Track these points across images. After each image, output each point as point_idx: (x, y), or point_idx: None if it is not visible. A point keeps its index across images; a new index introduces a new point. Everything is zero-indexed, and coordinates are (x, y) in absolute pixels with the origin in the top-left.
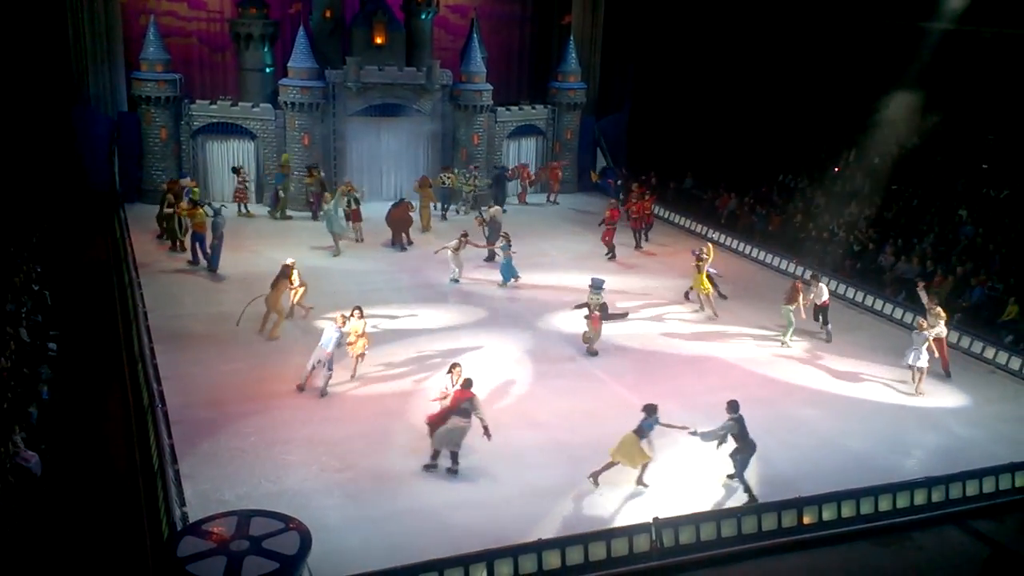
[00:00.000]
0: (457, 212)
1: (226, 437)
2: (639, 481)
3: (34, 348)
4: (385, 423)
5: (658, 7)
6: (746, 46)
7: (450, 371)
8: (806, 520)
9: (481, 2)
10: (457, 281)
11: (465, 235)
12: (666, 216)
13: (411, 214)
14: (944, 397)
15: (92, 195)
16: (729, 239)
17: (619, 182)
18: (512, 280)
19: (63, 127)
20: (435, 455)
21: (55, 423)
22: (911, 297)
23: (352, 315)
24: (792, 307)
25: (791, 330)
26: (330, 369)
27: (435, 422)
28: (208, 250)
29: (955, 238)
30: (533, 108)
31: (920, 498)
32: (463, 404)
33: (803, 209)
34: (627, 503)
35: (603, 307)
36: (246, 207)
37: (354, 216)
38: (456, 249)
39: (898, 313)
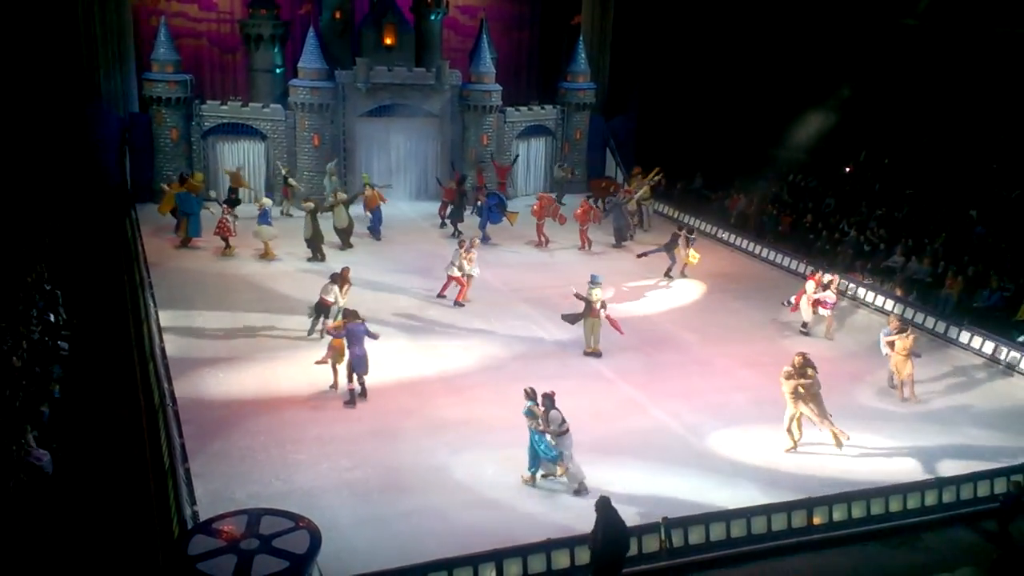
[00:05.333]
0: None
1: (237, 436)
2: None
3: (46, 347)
4: (395, 422)
5: (667, 7)
6: (756, 45)
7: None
8: (816, 521)
9: (490, 3)
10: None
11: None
12: (675, 216)
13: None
14: (956, 397)
15: (104, 195)
16: (739, 239)
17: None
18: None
19: (75, 127)
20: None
21: (67, 422)
22: (922, 298)
23: None
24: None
25: None
26: None
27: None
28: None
29: (967, 238)
30: (542, 108)
31: (931, 499)
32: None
33: (814, 209)
34: (636, 502)
35: (599, 304)
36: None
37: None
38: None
39: (908, 314)
